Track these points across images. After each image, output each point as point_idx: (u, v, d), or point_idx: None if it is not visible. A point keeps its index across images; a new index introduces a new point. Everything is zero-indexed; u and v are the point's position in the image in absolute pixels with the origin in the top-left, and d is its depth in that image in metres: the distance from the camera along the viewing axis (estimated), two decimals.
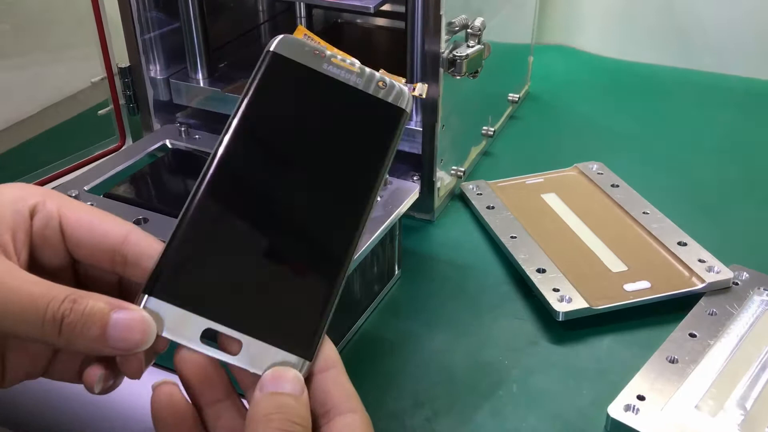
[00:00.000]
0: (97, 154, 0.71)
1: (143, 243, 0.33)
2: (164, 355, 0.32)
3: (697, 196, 0.70)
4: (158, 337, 0.30)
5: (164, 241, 0.31)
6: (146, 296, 0.30)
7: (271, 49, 0.33)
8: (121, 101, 0.72)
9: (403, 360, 0.52)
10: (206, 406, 0.31)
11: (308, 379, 0.31)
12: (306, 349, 0.30)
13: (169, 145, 0.60)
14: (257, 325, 0.30)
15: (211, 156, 0.31)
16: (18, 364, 0.32)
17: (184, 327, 0.30)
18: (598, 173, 0.71)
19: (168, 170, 0.57)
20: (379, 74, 0.34)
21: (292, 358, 0.30)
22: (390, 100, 0.33)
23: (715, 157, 0.77)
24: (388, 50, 0.84)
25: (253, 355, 0.30)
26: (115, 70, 0.71)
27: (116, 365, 0.31)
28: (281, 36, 0.33)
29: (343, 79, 0.33)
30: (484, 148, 0.76)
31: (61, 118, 0.80)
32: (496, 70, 0.71)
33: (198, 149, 0.60)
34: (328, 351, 0.32)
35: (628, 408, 0.46)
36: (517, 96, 0.82)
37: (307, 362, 0.30)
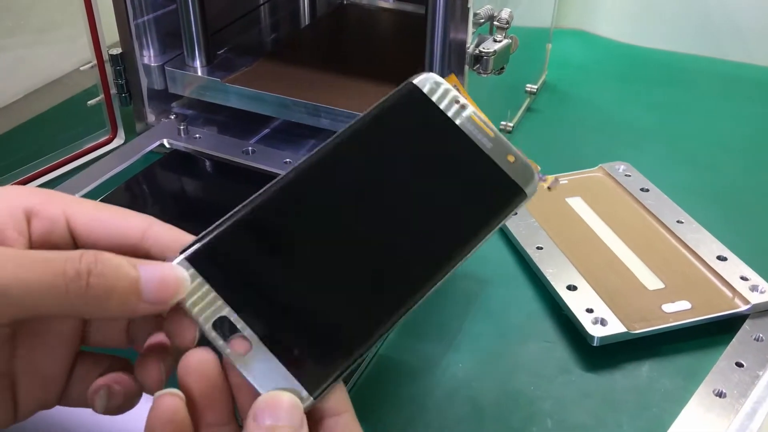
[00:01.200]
0: (86, 148, 0.66)
1: (167, 236, 0.30)
2: None
3: (731, 201, 0.66)
4: (184, 322, 0.28)
5: (195, 233, 0.29)
6: (181, 257, 0.28)
7: (414, 81, 0.31)
8: (113, 90, 0.67)
9: (426, 389, 0.47)
10: (206, 428, 0.28)
11: (317, 423, 0.28)
12: (315, 384, 0.27)
13: (168, 145, 0.55)
14: (275, 336, 0.27)
15: (310, 157, 0.30)
16: (30, 390, 0.29)
17: (203, 304, 0.27)
18: (626, 175, 0.66)
19: (167, 175, 0.52)
20: (515, 148, 0.31)
21: (297, 386, 0.27)
22: (514, 176, 0.30)
23: (748, 156, 0.72)
24: (397, 35, 0.78)
25: (258, 366, 0.27)
26: (105, 56, 0.65)
27: (127, 379, 0.29)
28: (428, 73, 0.31)
29: (473, 137, 0.31)
30: None
31: (46, 106, 0.74)
32: (516, 59, 0.66)
33: (198, 150, 0.54)
34: (340, 394, 0.28)
35: None
36: (535, 87, 0.77)
37: (312, 399, 0.27)
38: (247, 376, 0.27)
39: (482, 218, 0.30)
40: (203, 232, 0.28)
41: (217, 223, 0.29)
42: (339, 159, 0.30)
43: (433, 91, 0.31)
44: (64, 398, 0.30)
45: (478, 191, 0.30)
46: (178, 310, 0.28)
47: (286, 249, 0.29)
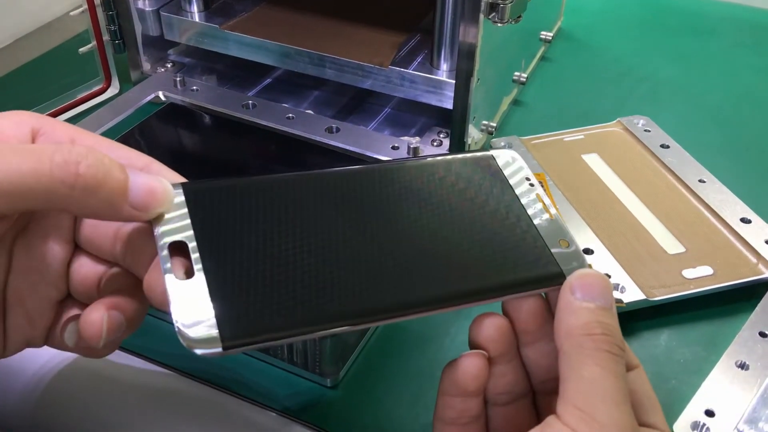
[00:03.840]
0: (78, 98, 0.63)
1: (167, 174, 0.30)
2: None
3: (756, 159, 0.63)
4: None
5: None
6: (176, 183, 0.29)
7: (492, 153, 0.34)
8: (105, 37, 0.63)
9: (434, 359, 0.45)
10: (496, 365, 0.31)
11: None
12: (230, 337, 0.26)
13: (163, 98, 0.52)
14: (221, 279, 0.27)
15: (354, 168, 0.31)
16: (18, 326, 0.30)
17: (173, 226, 0.28)
18: (645, 130, 0.63)
19: (163, 131, 0.49)
20: (571, 234, 0.32)
21: (214, 329, 0.26)
22: (559, 260, 0.31)
23: None
24: None
25: (185, 294, 0.26)
26: (96, 0, 0.61)
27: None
28: (511, 151, 0.34)
29: (531, 213, 0.32)
30: (515, 96, 0.68)
31: (36, 53, 0.70)
32: (531, 4, 0.62)
33: (196, 104, 0.51)
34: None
35: (696, 426, 0.40)
36: (550, 34, 0.73)
37: (221, 348, 0.26)
38: (169, 297, 0.26)
39: (517, 285, 0.30)
40: (212, 179, 0.29)
41: (230, 177, 0.29)
42: (380, 175, 0.31)
43: (507, 165, 0.33)
44: (51, 338, 0.31)
45: (524, 263, 0.30)
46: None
47: (284, 222, 0.29)
